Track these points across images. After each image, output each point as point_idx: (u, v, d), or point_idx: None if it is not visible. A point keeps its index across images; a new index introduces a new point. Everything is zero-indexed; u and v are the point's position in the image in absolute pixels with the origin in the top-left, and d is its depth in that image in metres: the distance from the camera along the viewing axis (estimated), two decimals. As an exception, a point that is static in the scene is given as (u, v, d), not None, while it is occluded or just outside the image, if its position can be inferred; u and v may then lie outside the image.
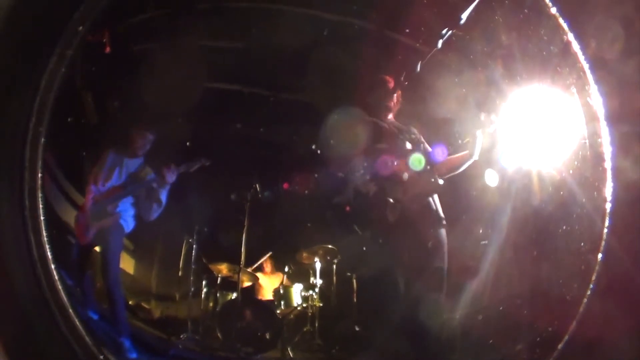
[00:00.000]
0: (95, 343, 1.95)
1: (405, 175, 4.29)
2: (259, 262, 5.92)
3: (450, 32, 4.33)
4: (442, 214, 4.26)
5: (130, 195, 4.66)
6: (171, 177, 4.69)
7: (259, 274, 5.90)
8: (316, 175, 5.64)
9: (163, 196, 4.71)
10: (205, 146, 5.14)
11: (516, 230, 3.79)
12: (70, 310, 1.91)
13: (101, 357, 1.95)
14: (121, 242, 4.70)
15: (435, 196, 4.31)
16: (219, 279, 5.61)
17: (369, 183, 4.39)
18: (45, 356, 1.88)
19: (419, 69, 4.66)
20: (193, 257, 5.48)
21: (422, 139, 4.49)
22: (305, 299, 5.55)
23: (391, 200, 4.30)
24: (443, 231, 4.23)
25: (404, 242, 4.20)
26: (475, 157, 4.11)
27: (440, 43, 4.44)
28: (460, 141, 4.34)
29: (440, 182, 4.31)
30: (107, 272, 4.43)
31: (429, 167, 4.32)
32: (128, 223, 4.65)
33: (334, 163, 4.84)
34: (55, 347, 1.89)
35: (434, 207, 4.27)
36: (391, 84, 4.63)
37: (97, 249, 4.54)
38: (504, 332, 3.49)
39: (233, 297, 5.60)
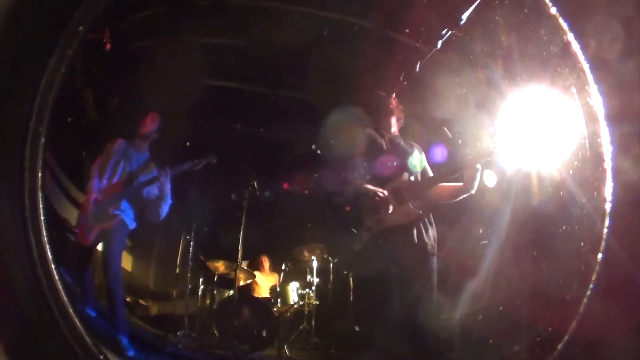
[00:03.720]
0: (95, 343, 1.95)
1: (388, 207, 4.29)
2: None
3: (450, 32, 4.33)
4: (428, 245, 4.24)
5: (134, 194, 4.63)
6: (165, 181, 4.67)
7: (256, 272, 5.90)
8: (316, 175, 5.64)
9: (162, 209, 4.68)
10: (205, 145, 5.12)
11: (516, 231, 3.79)
12: (70, 310, 1.91)
13: (101, 357, 1.95)
14: (124, 240, 4.67)
15: (425, 228, 4.29)
16: (216, 276, 5.61)
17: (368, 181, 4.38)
18: (45, 356, 1.88)
19: (418, 68, 4.67)
20: (190, 254, 5.47)
21: (425, 161, 4.47)
22: (302, 297, 5.55)
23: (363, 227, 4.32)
24: (428, 261, 4.22)
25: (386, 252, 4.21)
26: (473, 191, 4.08)
27: (440, 43, 4.44)
28: (459, 141, 4.34)
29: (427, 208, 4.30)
30: (108, 270, 4.40)
31: (416, 196, 4.30)
32: (131, 220, 4.62)
33: (334, 163, 4.83)
34: (55, 347, 1.89)
35: (415, 240, 4.24)
36: (384, 94, 4.63)
37: (99, 247, 4.52)
38: (503, 332, 3.50)
39: (230, 295, 5.59)
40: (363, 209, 4.37)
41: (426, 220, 4.29)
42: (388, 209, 4.26)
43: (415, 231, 4.22)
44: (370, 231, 4.28)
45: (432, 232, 4.29)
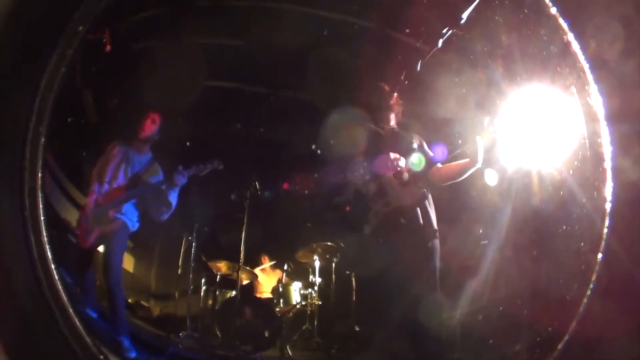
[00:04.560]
0: (95, 343, 1.95)
1: (392, 184, 4.28)
2: (261, 267, 5.93)
3: (450, 31, 4.33)
4: (432, 226, 4.24)
5: (134, 198, 4.61)
6: (181, 180, 4.62)
7: (258, 272, 5.90)
8: (316, 175, 5.64)
9: (172, 198, 4.63)
10: (205, 145, 5.13)
11: (516, 230, 3.79)
12: (70, 310, 1.91)
13: (101, 357, 1.95)
14: (125, 242, 4.64)
15: (428, 207, 4.28)
16: (218, 276, 5.61)
17: (369, 183, 4.38)
18: (45, 356, 1.88)
19: (419, 68, 4.67)
20: (192, 255, 5.47)
21: (425, 147, 4.47)
22: (304, 297, 5.55)
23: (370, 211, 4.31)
24: (431, 243, 4.22)
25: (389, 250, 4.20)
26: (479, 164, 4.06)
27: (440, 42, 4.44)
28: (460, 141, 4.33)
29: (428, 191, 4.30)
30: (108, 272, 4.39)
31: (418, 178, 4.30)
32: (133, 222, 4.60)
33: (334, 163, 4.83)
34: (55, 347, 1.89)
35: (421, 220, 4.23)
36: (387, 88, 4.62)
37: (100, 248, 4.51)
38: (504, 332, 3.50)
39: (232, 295, 5.59)
40: (369, 193, 4.37)
41: (427, 201, 4.30)
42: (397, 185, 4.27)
43: (420, 211, 4.22)
44: (378, 214, 4.27)
45: (434, 213, 4.29)
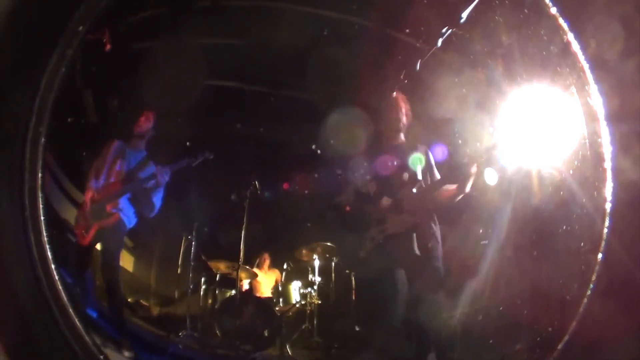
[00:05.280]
0: (95, 343, 1.95)
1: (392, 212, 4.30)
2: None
3: (450, 31, 4.32)
4: (428, 251, 4.23)
5: (129, 193, 4.62)
6: (163, 177, 4.65)
7: (257, 271, 5.90)
8: (316, 175, 5.64)
9: (156, 199, 4.67)
10: (205, 145, 5.12)
11: (516, 230, 3.78)
12: (70, 310, 1.91)
13: (101, 357, 1.95)
14: (122, 239, 4.67)
15: (427, 232, 4.29)
16: (217, 276, 5.61)
17: (369, 183, 4.39)
18: (45, 356, 1.88)
19: (418, 67, 4.66)
20: (192, 254, 5.47)
21: (432, 165, 4.47)
22: (304, 296, 5.55)
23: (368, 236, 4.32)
24: (429, 266, 4.22)
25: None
26: (466, 191, 4.08)
27: (440, 42, 4.44)
28: (459, 141, 4.33)
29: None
30: (107, 269, 4.40)
31: (412, 207, 4.31)
32: (130, 219, 4.62)
33: (334, 163, 4.83)
34: (55, 347, 1.89)
35: (415, 248, 4.23)
36: (401, 104, 4.61)
37: (98, 246, 4.51)
38: (504, 332, 3.49)
39: (232, 295, 5.59)
40: (367, 219, 4.38)
41: (430, 225, 4.30)
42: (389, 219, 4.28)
43: (415, 238, 4.22)
44: (374, 241, 4.28)
45: (435, 237, 4.29)
